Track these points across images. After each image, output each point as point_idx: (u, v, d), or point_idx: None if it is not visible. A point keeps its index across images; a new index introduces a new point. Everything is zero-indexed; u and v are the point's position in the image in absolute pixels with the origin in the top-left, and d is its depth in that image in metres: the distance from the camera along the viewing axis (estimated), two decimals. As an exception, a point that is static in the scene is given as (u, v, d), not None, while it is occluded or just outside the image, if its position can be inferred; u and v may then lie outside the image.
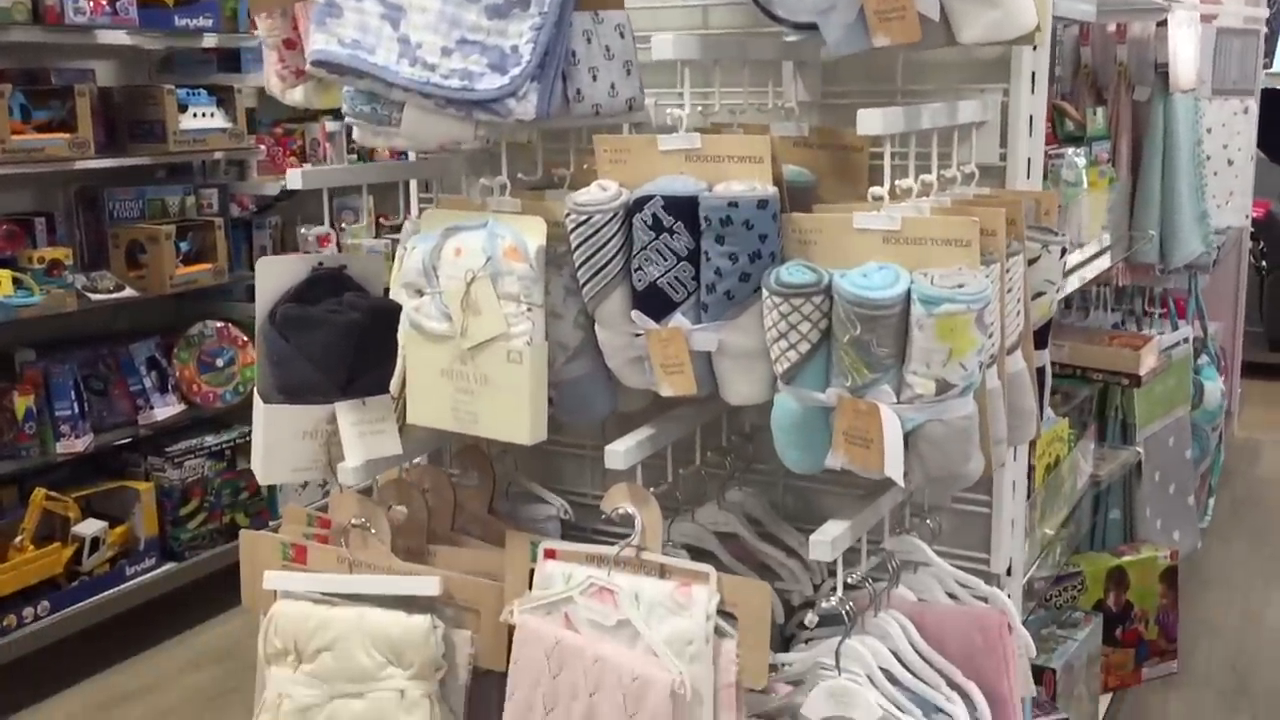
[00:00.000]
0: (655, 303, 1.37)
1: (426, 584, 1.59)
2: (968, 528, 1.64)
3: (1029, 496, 2.02)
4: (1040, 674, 2.24)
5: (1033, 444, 2.15)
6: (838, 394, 1.26)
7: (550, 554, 1.51)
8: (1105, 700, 2.61)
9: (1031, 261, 1.43)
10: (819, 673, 1.38)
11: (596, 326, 1.45)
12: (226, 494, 3.51)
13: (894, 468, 1.22)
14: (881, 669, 1.40)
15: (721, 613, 1.39)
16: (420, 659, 1.56)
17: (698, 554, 1.63)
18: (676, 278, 1.35)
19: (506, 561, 1.57)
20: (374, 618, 1.59)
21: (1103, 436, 2.95)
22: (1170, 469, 3.18)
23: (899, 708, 1.36)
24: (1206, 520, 3.85)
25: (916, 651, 1.46)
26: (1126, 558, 2.67)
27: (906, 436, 1.24)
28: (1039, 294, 1.43)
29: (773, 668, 1.46)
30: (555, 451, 1.91)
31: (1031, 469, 2.16)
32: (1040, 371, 1.45)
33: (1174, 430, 3.17)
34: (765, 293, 1.29)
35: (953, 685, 1.43)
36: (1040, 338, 1.44)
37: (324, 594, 1.65)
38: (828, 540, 1.32)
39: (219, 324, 3.58)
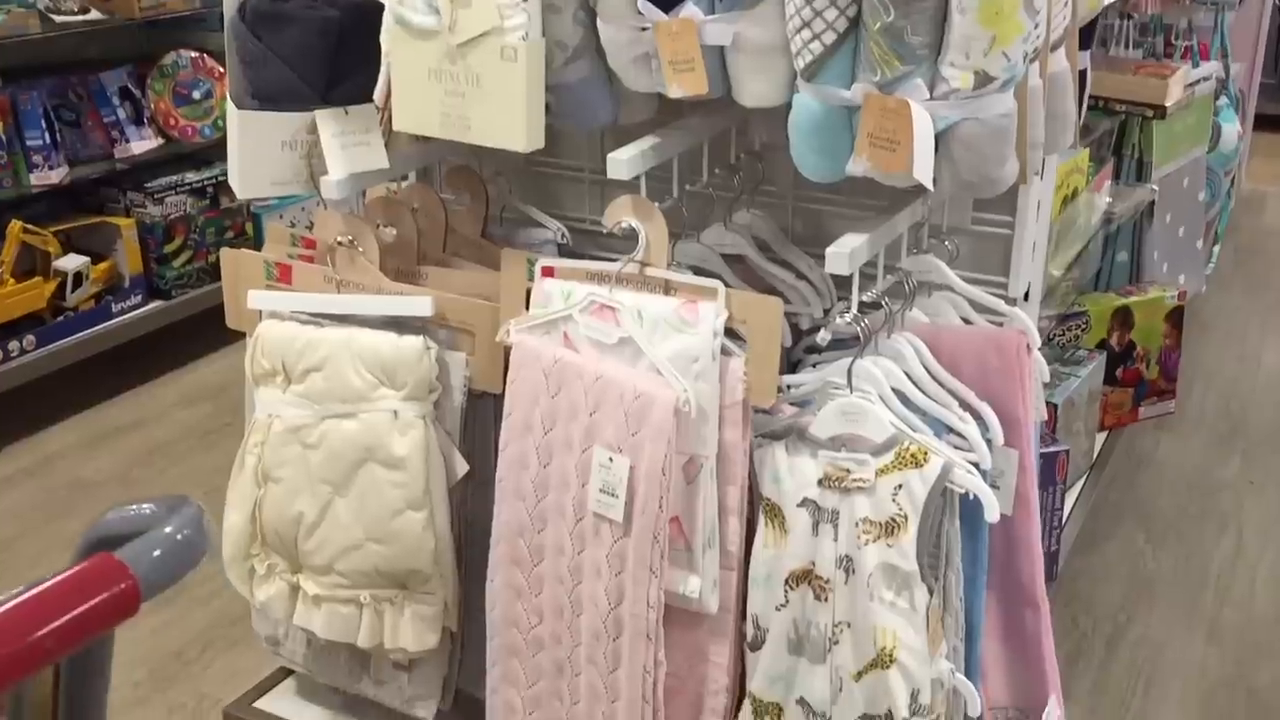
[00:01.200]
0: (664, -8, 1.25)
1: (419, 304, 1.52)
2: (986, 251, 1.56)
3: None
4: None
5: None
6: (864, 90, 1.15)
7: (548, 272, 1.43)
8: (1100, 438, 2.60)
9: (1077, -47, 1.29)
10: (829, 392, 1.33)
11: (599, 21, 1.32)
12: (211, 233, 3.42)
13: (923, 170, 1.12)
14: (894, 390, 1.35)
15: (728, 332, 1.33)
16: (414, 379, 1.50)
17: (702, 276, 1.56)
18: (687, -36, 1.22)
19: (502, 280, 1.49)
20: (364, 338, 1.52)
21: (1118, 175, 2.85)
22: (1182, 211, 3.09)
23: (911, 427, 1.31)
24: (1210, 267, 3.80)
25: (930, 373, 1.40)
26: (1133, 298, 2.61)
27: (937, 138, 1.14)
28: (1086, -12, 1.30)
29: (780, 390, 1.41)
30: (552, 174, 1.81)
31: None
32: (1082, 75, 1.33)
33: (1189, 171, 3.07)
34: (786, -21, 1.17)
35: (966, 407, 1.38)
36: (1085, 36, 1.32)
37: (311, 315, 1.58)
38: (845, 252, 1.24)
39: (194, 54, 3.40)
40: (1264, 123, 5.08)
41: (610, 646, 1.40)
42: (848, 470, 1.29)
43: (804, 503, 1.32)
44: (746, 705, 1.36)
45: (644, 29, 1.28)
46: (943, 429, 1.36)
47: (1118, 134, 2.84)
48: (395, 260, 1.62)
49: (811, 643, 1.32)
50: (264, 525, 1.61)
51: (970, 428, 1.33)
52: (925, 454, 1.26)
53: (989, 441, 1.37)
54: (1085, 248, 2.30)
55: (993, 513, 1.26)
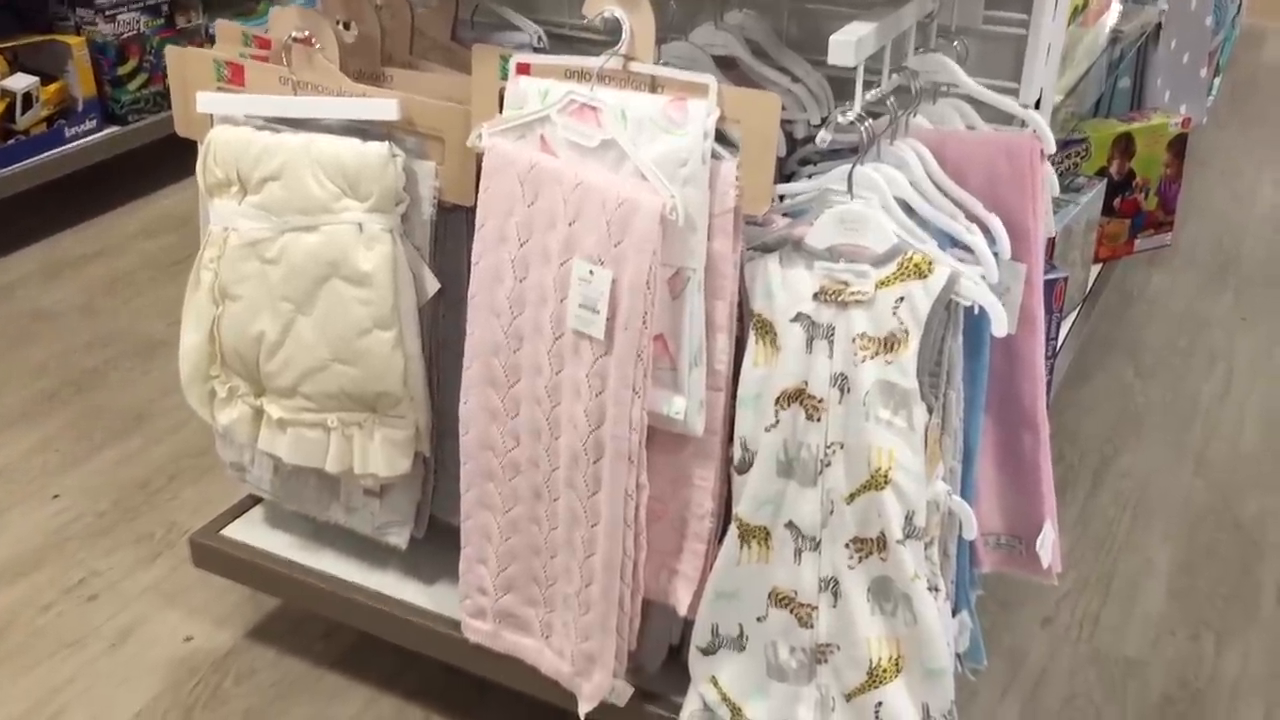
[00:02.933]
0: None
1: (383, 106, 1.41)
2: (997, 53, 1.44)
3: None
4: (1039, 236, 2.13)
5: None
6: None
7: (523, 69, 1.31)
8: (1095, 270, 2.53)
9: None
10: (828, 199, 1.23)
11: None
12: (167, 53, 3.24)
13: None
14: (897, 199, 1.25)
15: (719, 135, 1.22)
16: (378, 189, 1.40)
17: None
18: None
19: (474, 80, 1.37)
20: (324, 144, 1.41)
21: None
22: (1188, 37, 2.96)
23: (914, 237, 1.23)
24: (1210, 99, 3.68)
25: (935, 182, 1.31)
26: (1136, 124, 2.50)
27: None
28: None
29: (775, 199, 1.31)
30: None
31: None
32: None
33: (1197, -7, 2.93)
34: None
35: (972, 218, 1.29)
36: None
37: (267, 119, 1.46)
38: (851, 40, 1.13)
39: None
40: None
41: (590, 470, 1.33)
42: (846, 283, 1.21)
43: (798, 318, 1.23)
44: (732, 529, 1.31)
45: None
46: (947, 241, 1.27)
47: (1124, -49, 2.68)
48: (357, 61, 1.50)
49: (802, 464, 1.26)
50: (223, 346, 1.52)
51: (977, 239, 1.24)
52: (930, 264, 1.18)
53: (995, 255, 1.29)
54: (1088, 71, 2.18)
55: (1000, 327, 1.18)
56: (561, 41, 1.63)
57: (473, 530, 1.48)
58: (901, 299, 1.18)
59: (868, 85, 1.26)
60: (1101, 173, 2.48)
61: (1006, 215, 1.30)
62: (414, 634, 1.61)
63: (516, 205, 1.31)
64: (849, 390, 1.22)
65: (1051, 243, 2.12)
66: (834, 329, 1.22)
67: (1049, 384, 2.03)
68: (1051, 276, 1.96)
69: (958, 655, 1.46)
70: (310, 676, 1.76)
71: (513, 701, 1.61)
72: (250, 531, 1.74)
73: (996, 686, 1.77)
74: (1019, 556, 1.47)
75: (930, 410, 1.21)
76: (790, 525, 1.28)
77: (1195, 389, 2.52)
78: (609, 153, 1.25)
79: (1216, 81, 3.69)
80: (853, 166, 1.21)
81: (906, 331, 1.18)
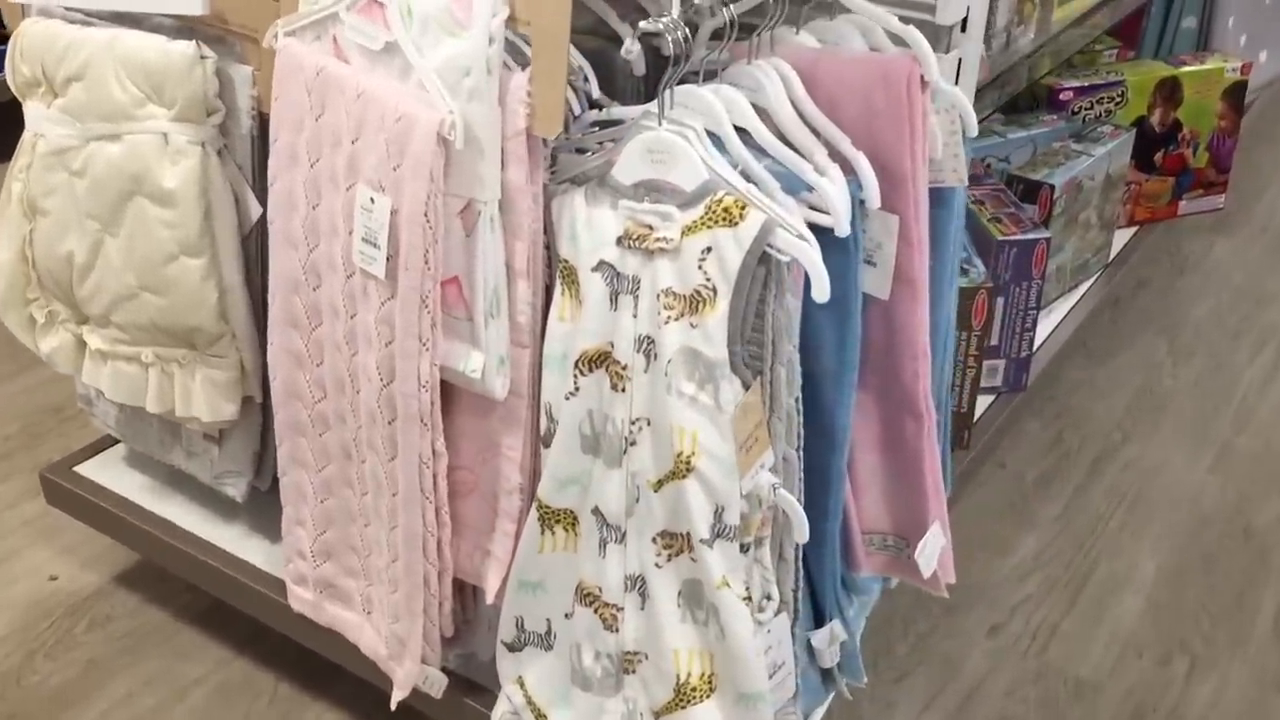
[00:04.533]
0: None
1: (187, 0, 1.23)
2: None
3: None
4: (1037, 190, 1.87)
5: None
6: None
7: (323, -42, 1.12)
8: (1127, 234, 2.24)
9: None
10: (640, 124, 1.02)
11: None
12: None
13: None
14: (740, 128, 1.03)
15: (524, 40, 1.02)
16: (184, 96, 1.23)
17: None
18: None
19: (280, -28, 1.18)
20: (129, 41, 1.24)
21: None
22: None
23: (748, 177, 1.01)
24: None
25: (800, 112, 1.08)
26: (1186, 68, 2.19)
27: None
28: None
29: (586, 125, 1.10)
30: None
31: (1058, -75, 1.67)
32: None
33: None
34: None
35: (837, 157, 1.06)
36: None
37: (86, 15, 1.30)
38: (644, -75, 0.91)
39: None
40: None
41: (386, 430, 1.15)
42: (650, 227, 1.00)
43: (600, 266, 1.03)
44: (533, 512, 1.11)
45: None
46: (798, 184, 1.05)
47: None
48: (186, -50, 1.32)
49: (607, 441, 1.06)
50: (36, 265, 1.37)
51: (824, 182, 1.02)
52: (742, 208, 0.96)
53: (863, 202, 1.06)
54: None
55: (821, 290, 0.96)
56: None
57: (289, 488, 1.32)
58: (709, 249, 0.97)
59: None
60: (1140, 122, 2.18)
61: (881, 154, 1.07)
62: (249, 598, 1.46)
63: (306, 118, 1.13)
64: (654, 357, 1.01)
65: (1049, 196, 1.85)
66: (639, 281, 1.01)
67: (1028, 360, 1.78)
68: (1029, 237, 1.70)
69: (833, 669, 1.26)
70: (166, 630, 1.63)
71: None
72: (104, 472, 1.60)
73: (918, 699, 1.55)
74: (905, 562, 1.25)
75: (746, 386, 0.99)
76: (597, 511, 1.09)
77: (1235, 373, 2.22)
78: (395, 58, 1.06)
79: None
80: (665, 83, 0.99)
81: (714, 290, 0.97)
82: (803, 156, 1.05)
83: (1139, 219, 2.28)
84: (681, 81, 1.13)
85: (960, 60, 1.25)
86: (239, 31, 1.24)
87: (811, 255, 0.95)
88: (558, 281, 1.07)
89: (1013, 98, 1.64)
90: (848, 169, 1.06)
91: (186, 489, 1.55)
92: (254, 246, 1.32)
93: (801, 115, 1.08)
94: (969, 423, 1.67)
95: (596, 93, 1.12)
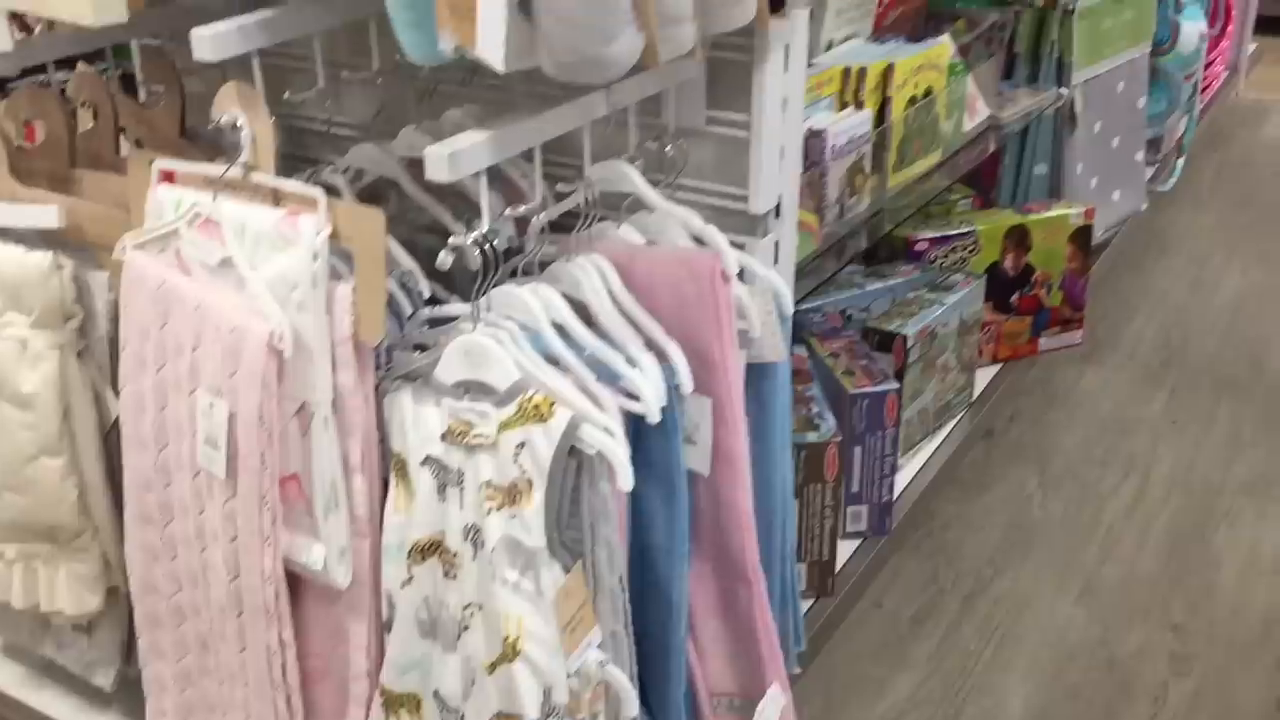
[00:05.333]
0: None
1: (44, 214, 1.30)
2: (732, 156, 1.30)
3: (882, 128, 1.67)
4: (892, 340, 1.97)
5: (889, 71, 1.78)
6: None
7: (168, 176, 1.20)
8: (991, 371, 2.34)
9: None
10: (460, 326, 1.09)
11: None
12: None
13: (490, 45, 0.87)
14: (558, 324, 1.11)
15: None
16: (41, 303, 1.28)
17: (381, 184, 1.32)
18: None
19: (130, 187, 1.25)
20: (-13, 254, 1.30)
21: (1035, 77, 2.55)
22: (1115, 119, 2.78)
23: (579, 371, 1.08)
24: (1171, 183, 3.48)
25: (616, 304, 1.16)
26: (1032, 215, 2.33)
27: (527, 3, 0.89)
28: None
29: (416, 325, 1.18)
30: (290, 66, 1.56)
31: (887, 100, 1.80)
32: None
33: (1126, 74, 2.75)
34: None
35: (654, 346, 1.14)
36: None
37: (-53, 226, 1.36)
38: (444, 154, 0.99)
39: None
40: (1270, 25, 4.64)
41: (235, 622, 1.19)
42: (470, 424, 1.06)
43: (427, 460, 1.09)
44: (377, 699, 1.15)
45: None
46: (611, 375, 1.12)
47: (1035, 30, 2.53)
48: (46, 163, 1.39)
49: (443, 626, 1.11)
50: (-100, 467, 1.40)
51: (635, 372, 1.09)
52: (551, 405, 1.02)
53: (677, 388, 1.13)
54: (956, 154, 2.02)
55: (624, 480, 1.02)
56: (318, 137, 1.51)
57: (150, 680, 1.34)
58: (523, 444, 1.03)
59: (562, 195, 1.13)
60: (994, 267, 2.30)
61: (693, 342, 1.15)
62: (119, 786, 1.47)
63: (151, 327, 1.18)
64: (481, 545, 1.07)
65: (902, 346, 1.95)
66: (463, 474, 1.07)
67: (889, 505, 1.86)
68: (879, 389, 1.79)
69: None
70: (41, 821, 1.62)
71: None
72: (-22, 663, 1.61)
73: None
74: (751, 723, 1.29)
75: (567, 569, 1.05)
76: (437, 695, 1.13)
77: (1102, 502, 2.31)
78: (231, 272, 1.13)
79: (1180, 163, 3.49)
80: (478, 289, 1.07)
81: (530, 482, 1.03)
82: (617, 348, 1.12)
83: (1001, 357, 2.39)
84: (525, 271, 1.22)
85: (776, 244, 1.34)
86: (95, 241, 1.31)
87: (612, 448, 1.01)
88: (392, 474, 1.13)
89: (872, 249, 1.74)
90: (666, 356, 1.14)
91: (60, 679, 1.56)
92: (115, 442, 1.36)
93: (619, 307, 1.16)
94: (831, 570, 1.73)
95: (427, 293, 1.19)
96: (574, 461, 1.03)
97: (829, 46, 1.86)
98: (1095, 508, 2.29)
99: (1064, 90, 2.41)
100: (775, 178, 1.29)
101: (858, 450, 1.81)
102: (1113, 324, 2.95)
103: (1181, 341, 2.93)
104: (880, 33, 2.00)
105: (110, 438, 1.36)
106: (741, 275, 1.25)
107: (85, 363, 1.33)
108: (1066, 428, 2.56)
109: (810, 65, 1.77)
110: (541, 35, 0.90)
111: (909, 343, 1.95)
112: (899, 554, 2.09)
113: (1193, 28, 3.11)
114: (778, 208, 1.32)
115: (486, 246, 1.04)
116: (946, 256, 2.26)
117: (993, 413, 2.32)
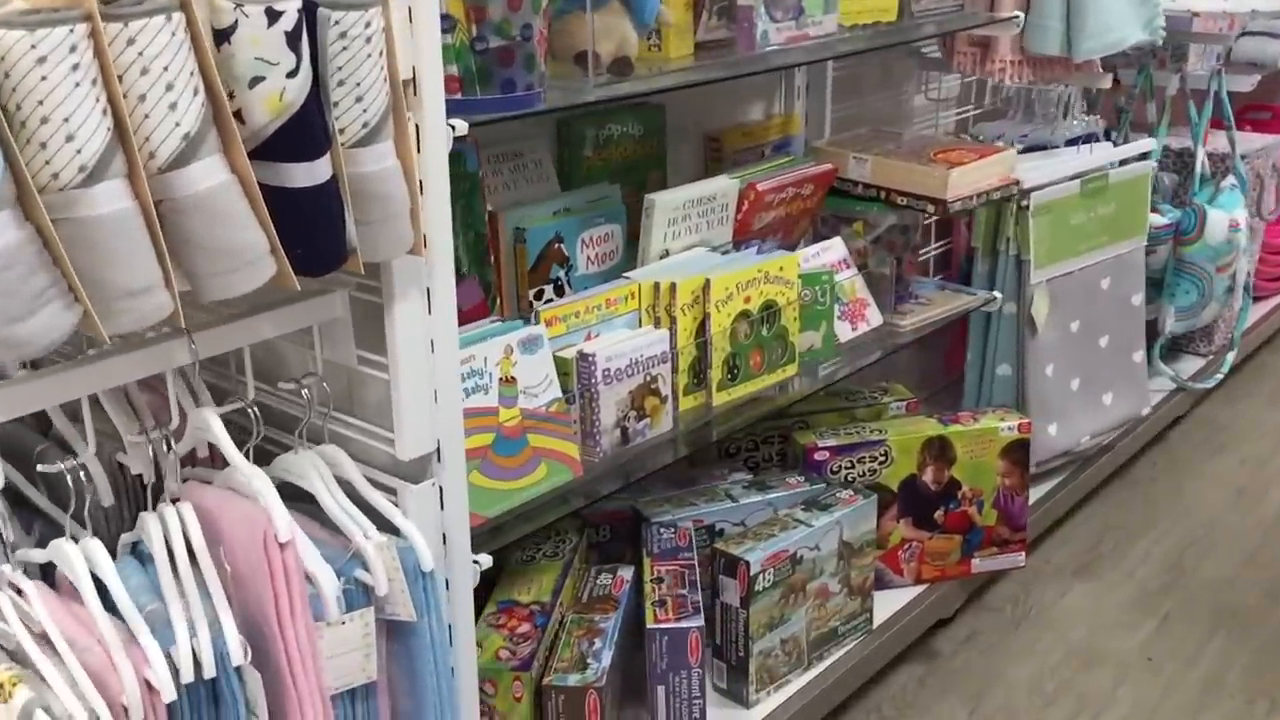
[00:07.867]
0: None
1: None
2: (387, 398, 1.24)
3: (679, 351, 1.55)
4: (735, 565, 1.83)
5: (706, 286, 1.69)
6: None
7: None
8: (913, 592, 2.16)
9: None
10: (-11, 587, 1.06)
11: None
12: None
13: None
14: (99, 579, 1.06)
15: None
16: None
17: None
18: None
19: None
20: None
21: (993, 279, 2.41)
22: (1101, 318, 2.59)
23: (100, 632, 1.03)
24: (1216, 379, 3.20)
25: (192, 558, 1.11)
26: (954, 427, 2.15)
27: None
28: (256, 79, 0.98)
29: None
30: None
31: (706, 316, 1.71)
32: (291, 194, 1.00)
33: (1112, 270, 2.57)
34: None
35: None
36: (281, 146, 0.99)
37: None
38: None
39: None
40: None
41: None
42: (-36, 690, 1.02)
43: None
44: None
45: None
46: (167, 637, 1.06)
47: (992, 224, 2.40)
48: None
49: None
50: None
51: (194, 637, 1.03)
52: (16, 684, 0.97)
53: (227, 656, 1.06)
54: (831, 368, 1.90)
55: (65, 773, 0.95)
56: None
57: None
58: (-10, 721, 0.98)
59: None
60: (910, 482, 2.13)
61: (251, 609, 1.08)
62: None
63: None
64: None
65: (745, 573, 1.81)
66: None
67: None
68: (681, 626, 1.66)
69: None
70: None
71: None
72: None
73: None
74: None
75: None
76: None
77: (1037, 746, 2.07)
78: None
79: (1230, 356, 3.20)
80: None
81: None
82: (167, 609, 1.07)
83: (927, 577, 2.20)
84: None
85: (441, 489, 1.27)
86: None
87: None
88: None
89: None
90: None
91: None
92: None
93: (195, 563, 1.11)
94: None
95: (12, 537, 1.17)
96: (42, 742, 0.97)
97: (664, 256, 1.79)
98: (1026, 753, 2.05)
99: (997, 294, 2.24)
100: (426, 422, 1.22)
101: (661, 690, 1.67)
102: (1127, 534, 2.69)
103: (1195, 561, 2.64)
104: (747, 238, 1.92)
105: None
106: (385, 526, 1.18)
107: None
108: (1023, 655, 2.32)
109: (622, 278, 1.71)
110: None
111: (752, 569, 1.81)
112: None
113: (1221, 217, 2.89)
114: (438, 450, 1.25)
115: (79, 473, 1.01)
116: (853, 467, 2.11)
117: (936, 633, 2.13)
